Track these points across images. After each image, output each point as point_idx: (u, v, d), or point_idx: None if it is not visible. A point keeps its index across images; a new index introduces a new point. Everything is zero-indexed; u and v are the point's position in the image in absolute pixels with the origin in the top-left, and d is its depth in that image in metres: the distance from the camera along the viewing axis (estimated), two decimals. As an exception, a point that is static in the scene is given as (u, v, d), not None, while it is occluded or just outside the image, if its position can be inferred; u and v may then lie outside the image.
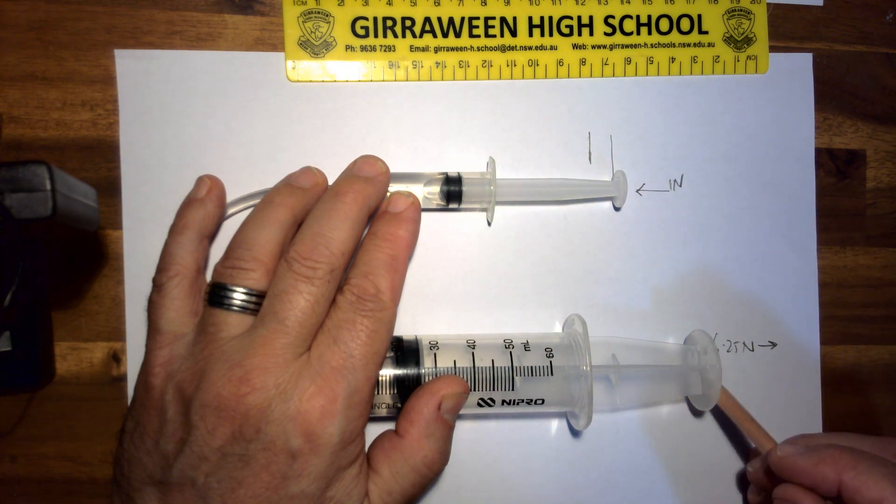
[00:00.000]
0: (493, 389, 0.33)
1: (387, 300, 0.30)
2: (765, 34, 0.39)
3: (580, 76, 0.38)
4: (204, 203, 0.32)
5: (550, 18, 0.37)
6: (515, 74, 0.37)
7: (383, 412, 0.33)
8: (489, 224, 0.37)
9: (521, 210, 0.37)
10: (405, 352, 0.33)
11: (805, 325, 0.39)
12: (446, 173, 0.35)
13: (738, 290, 0.38)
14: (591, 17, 0.37)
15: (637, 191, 0.38)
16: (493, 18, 0.37)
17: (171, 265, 0.30)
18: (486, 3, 0.37)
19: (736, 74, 0.38)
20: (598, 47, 0.38)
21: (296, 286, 0.28)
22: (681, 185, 0.38)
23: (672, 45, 0.38)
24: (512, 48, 0.37)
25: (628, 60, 0.38)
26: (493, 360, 0.33)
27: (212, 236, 0.34)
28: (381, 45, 0.36)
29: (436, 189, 0.35)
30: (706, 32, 0.38)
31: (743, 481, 0.38)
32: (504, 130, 0.37)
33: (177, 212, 0.32)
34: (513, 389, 0.33)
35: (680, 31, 0.38)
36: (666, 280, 0.38)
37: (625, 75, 0.38)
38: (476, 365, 0.33)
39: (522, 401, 0.33)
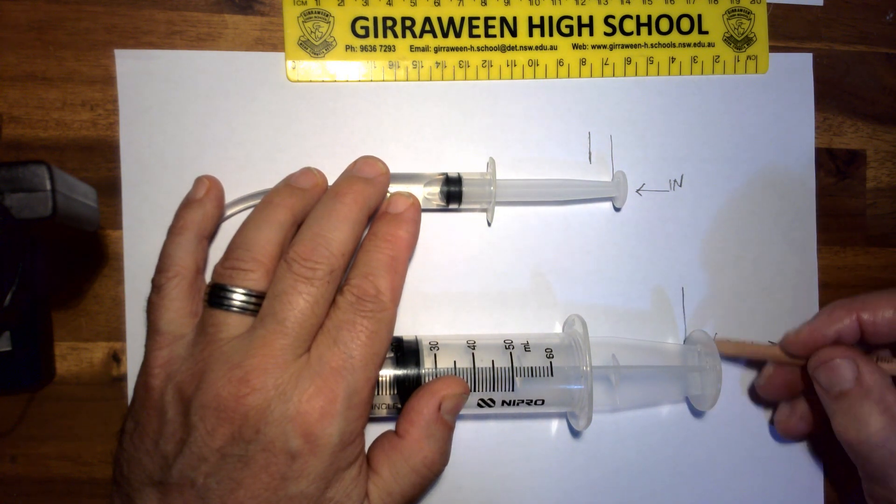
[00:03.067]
0: (493, 390, 0.33)
1: (387, 301, 0.30)
2: (765, 34, 0.39)
3: (580, 76, 0.37)
4: (202, 204, 0.32)
5: (550, 18, 0.37)
6: (515, 74, 0.37)
7: (383, 413, 0.33)
8: (489, 224, 0.37)
9: (521, 210, 0.37)
10: (405, 352, 0.33)
11: (805, 325, 0.39)
12: (446, 174, 0.35)
13: (738, 290, 0.38)
14: (591, 17, 0.37)
15: (637, 191, 0.38)
16: (493, 18, 0.37)
17: (170, 266, 0.30)
18: (486, 3, 0.37)
19: (736, 74, 0.38)
20: (598, 47, 0.38)
21: (295, 287, 0.28)
22: (681, 185, 0.38)
23: (672, 45, 0.38)
24: (512, 48, 0.37)
25: (628, 60, 0.38)
26: (493, 361, 0.33)
27: (211, 237, 0.33)
28: (381, 45, 0.36)
29: (436, 189, 0.35)
30: (706, 32, 0.38)
31: (743, 481, 0.38)
32: (504, 130, 0.37)
33: (175, 213, 0.32)
34: (513, 390, 0.33)
35: (680, 31, 0.38)
36: (666, 280, 0.38)
37: (625, 75, 0.38)
38: (476, 365, 0.33)
39: (522, 401, 0.33)
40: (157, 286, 0.30)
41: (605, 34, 0.38)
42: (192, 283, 0.31)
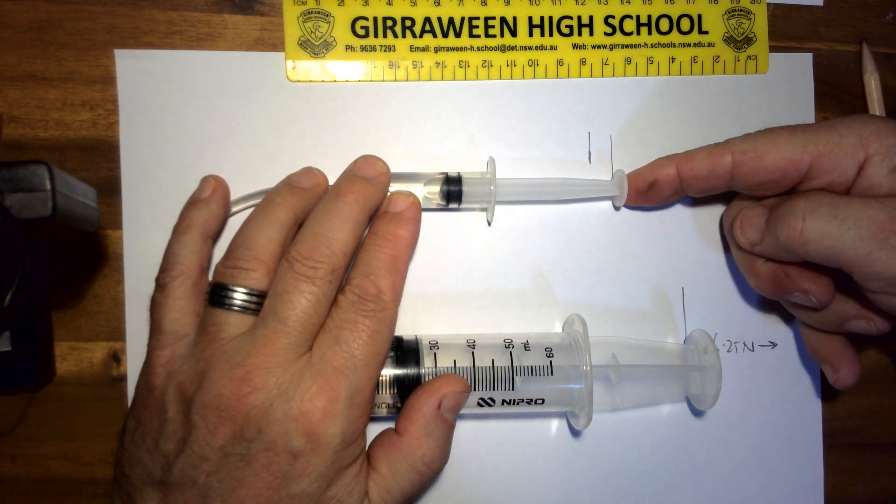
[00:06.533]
0: (493, 389, 0.33)
1: (388, 300, 0.30)
2: (765, 34, 0.39)
3: (580, 76, 0.38)
4: (208, 203, 0.32)
5: (550, 18, 0.37)
6: (515, 74, 0.37)
7: (383, 412, 0.33)
8: (489, 224, 0.37)
9: (521, 210, 0.37)
10: (405, 352, 0.33)
11: (805, 324, 0.39)
12: (446, 173, 0.35)
13: (738, 290, 0.38)
14: (591, 17, 0.37)
15: (637, 191, 0.38)
16: (493, 18, 0.37)
17: (175, 265, 0.30)
18: (486, 3, 0.37)
19: (736, 74, 0.38)
20: (598, 47, 0.38)
21: (297, 286, 0.28)
22: (681, 185, 0.38)
23: (672, 45, 0.38)
24: (512, 48, 0.37)
25: (628, 60, 0.38)
26: (493, 360, 0.33)
27: (215, 237, 0.33)
28: (381, 45, 0.36)
29: (436, 189, 0.35)
30: (706, 32, 0.38)
31: (743, 481, 0.38)
32: (504, 130, 0.37)
33: (181, 212, 0.32)
34: (513, 389, 0.33)
35: (680, 31, 0.38)
36: (666, 280, 0.38)
37: (625, 75, 0.38)
38: (476, 365, 0.33)
39: (522, 400, 0.33)
40: (160, 285, 0.30)
41: (605, 34, 0.38)
42: (195, 283, 0.31)
